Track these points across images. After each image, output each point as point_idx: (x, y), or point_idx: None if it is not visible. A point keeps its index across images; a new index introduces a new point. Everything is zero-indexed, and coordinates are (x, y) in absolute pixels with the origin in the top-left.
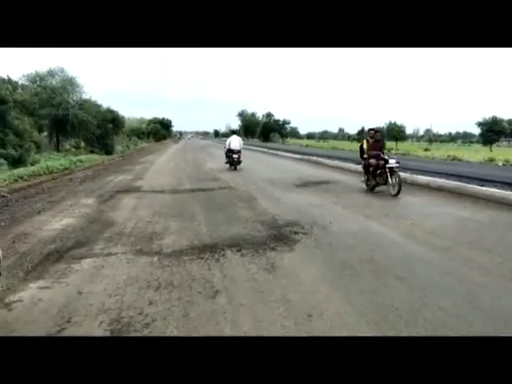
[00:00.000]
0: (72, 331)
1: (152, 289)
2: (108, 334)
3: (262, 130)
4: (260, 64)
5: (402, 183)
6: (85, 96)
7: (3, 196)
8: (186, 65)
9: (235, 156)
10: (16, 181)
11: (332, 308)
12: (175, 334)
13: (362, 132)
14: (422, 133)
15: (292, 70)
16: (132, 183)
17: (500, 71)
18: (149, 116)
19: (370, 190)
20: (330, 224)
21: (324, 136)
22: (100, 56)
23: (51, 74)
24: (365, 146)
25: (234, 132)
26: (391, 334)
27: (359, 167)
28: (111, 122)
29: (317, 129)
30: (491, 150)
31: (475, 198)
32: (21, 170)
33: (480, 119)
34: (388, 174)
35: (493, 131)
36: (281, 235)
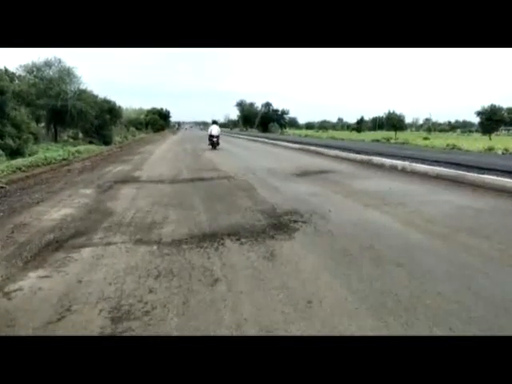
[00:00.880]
0: (72, 319)
1: (152, 277)
2: (108, 321)
3: (261, 120)
4: (259, 54)
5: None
6: (82, 87)
7: (1, 187)
8: (185, 55)
9: (214, 139)
10: (14, 172)
11: (332, 295)
12: (175, 321)
13: (361, 121)
14: (421, 122)
15: (291, 60)
16: (131, 173)
17: (499, 60)
18: (147, 106)
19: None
20: (329, 212)
21: (323, 125)
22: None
23: (48, 64)
24: None
25: (214, 122)
26: (390, 319)
27: (358, 156)
28: (108, 113)
29: (316, 118)
30: (490, 139)
31: (475, 186)
32: (19, 161)
33: (479, 108)
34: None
35: (492, 120)
36: (280, 224)
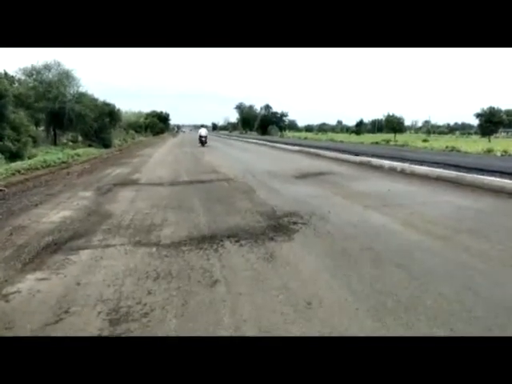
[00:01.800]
0: (70, 321)
1: (151, 279)
2: (107, 323)
3: (260, 123)
4: (259, 58)
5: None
6: (81, 89)
7: (0, 190)
8: (184, 59)
9: (203, 139)
10: (13, 174)
11: (331, 296)
12: (174, 322)
13: (360, 124)
14: (420, 124)
15: (291, 64)
16: (130, 176)
17: (498, 62)
18: (147, 109)
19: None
20: (328, 214)
21: (322, 128)
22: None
23: (47, 67)
24: None
25: (202, 125)
26: (391, 319)
27: (357, 158)
28: (108, 116)
29: (315, 121)
30: (489, 141)
31: (474, 187)
32: (18, 164)
33: (478, 110)
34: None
35: (491, 122)
36: (280, 225)
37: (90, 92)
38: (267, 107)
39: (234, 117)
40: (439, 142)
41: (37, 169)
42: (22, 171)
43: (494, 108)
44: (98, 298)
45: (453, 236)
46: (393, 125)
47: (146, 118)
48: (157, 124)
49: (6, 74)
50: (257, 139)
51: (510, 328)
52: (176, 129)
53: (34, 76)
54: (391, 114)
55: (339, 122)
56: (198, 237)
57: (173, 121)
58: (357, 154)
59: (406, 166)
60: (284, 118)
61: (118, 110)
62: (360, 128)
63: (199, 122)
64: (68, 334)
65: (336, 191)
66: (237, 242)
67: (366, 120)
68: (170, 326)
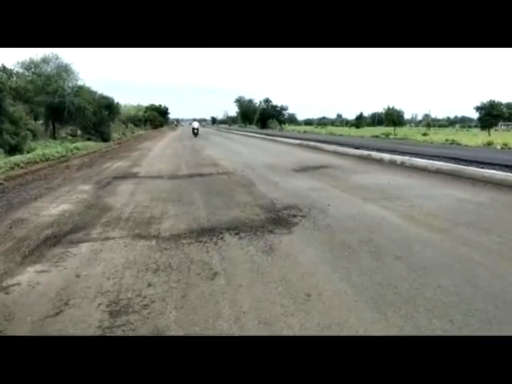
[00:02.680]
0: (70, 313)
1: (150, 271)
2: (106, 315)
3: (260, 117)
4: (259, 53)
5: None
6: (80, 83)
7: (0, 183)
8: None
9: (195, 130)
10: (12, 168)
11: (331, 288)
12: (174, 314)
13: (360, 117)
14: (419, 118)
15: (291, 58)
16: (129, 170)
17: (498, 57)
18: (146, 103)
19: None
20: (328, 207)
21: (322, 122)
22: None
23: (46, 60)
24: None
25: (195, 119)
26: (390, 312)
27: (357, 151)
28: (107, 109)
29: (315, 115)
30: (489, 134)
31: (474, 180)
32: (17, 158)
33: (478, 104)
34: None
35: (491, 115)
36: (279, 218)
37: (88, 86)
38: (267, 101)
39: (233, 111)
40: (439, 136)
41: (36, 162)
42: (22, 165)
43: (494, 101)
44: (97, 290)
45: (452, 229)
46: (393, 118)
47: (145, 112)
48: (156, 117)
49: (4, 67)
50: (256, 133)
51: (510, 320)
52: (175, 123)
53: (33, 69)
54: (391, 107)
55: (339, 116)
56: (198, 229)
57: (172, 115)
58: (357, 148)
59: (406, 158)
60: (284, 112)
61: (117, 103)
62: (360, 121)
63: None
64: (68, 326)
65: (335, 184)
66: (236, 234)
67: (366, 114)
68: (170, 318)
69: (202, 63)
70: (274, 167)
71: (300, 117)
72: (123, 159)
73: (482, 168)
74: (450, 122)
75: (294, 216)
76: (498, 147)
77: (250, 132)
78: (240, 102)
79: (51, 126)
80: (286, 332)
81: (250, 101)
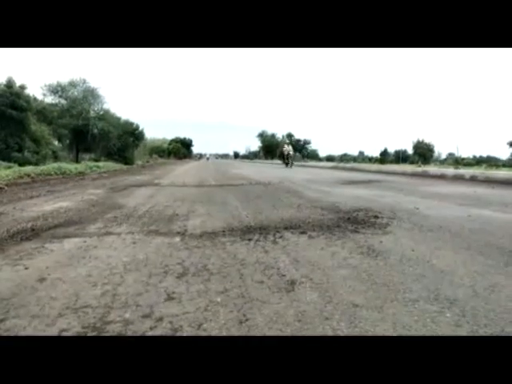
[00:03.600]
0: None
1: (172, 276)
2: None
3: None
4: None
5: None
6: (106, 106)
7: (0, 188)
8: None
9: (208, 159)
10: (21, 177)
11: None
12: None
13: (384, 153)
14: (443, 156)
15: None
16: (150, 181)
17: None
18: (170, 137)
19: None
20: (416, 210)
21: (344, 158)
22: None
23: (73, 84)
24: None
25: (204, 154)
26: None
27: (397, 168)
28: (131, 135)
29: (336, 152)
30: None
31: None
32: (28, 168)
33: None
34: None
35: None
36: (355, 219)
37: (113, 111)
38: (289, 135)
39: (255, 145)
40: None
41: (49, 175)
42: (32, 175)
43: None
44: (66, 302)
45: None
46: (423, 152)
47: (169, 144)
48: (180, 149)
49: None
50: (281, 164)
51: None
52: (198, 156)
53: (59, 93)
54: (421, 141)
55: (361, 153)
56: (242, 227)
57: (195, 149)
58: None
59: (478, 173)
60: (306, 146)
61: (142, 129)
62: (384, 157)
63: (221, 152)
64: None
65: (405, 193)
66: (302, 233)
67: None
68: None
69: (225, 101)
70: (316, 181)
71: (321, 153)
72: (145, 175)
73: None
74: (477, 161)
75: (376, 217)
76: None
77: (273, 163)
78: (263, 136)
79: (75, 150)
80: None
81: (273, 135)
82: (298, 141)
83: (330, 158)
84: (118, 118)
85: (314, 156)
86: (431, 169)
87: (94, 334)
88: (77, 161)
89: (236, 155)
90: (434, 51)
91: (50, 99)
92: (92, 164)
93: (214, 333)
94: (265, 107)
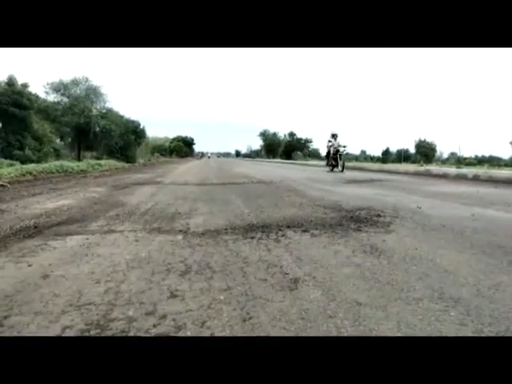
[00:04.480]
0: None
1: (175, 273)
2: None
3: (284, 149)
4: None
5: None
6: (108, 105)
7: (2, 185)
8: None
9: (209, 158)
10: (23, 175)
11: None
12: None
13: (386, 152)
14: (445, 156)
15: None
16: (152, 179)
17: None
18: (172, 136)
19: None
20: (419, 209)
21: (346, 158)
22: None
23: (75, 82)
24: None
25: (206, 153)
26: None
27: (399, 167)
28: (133, 133)
29: None
30: None
31: None
32: (30, 166)
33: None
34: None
35: None
36: (358, 218)
37: (115, 109)
38: (291, 134)
39: (257, 144)
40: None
41: (51, 172)
42: (34, 173)
43: None
44: (70, 299)
45: None
46: (425, 151)
47: (171, 142)
48: (182, 148)
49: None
50: (283, 162)
51: None
52: (200, 154)
53: (62, 91)
54: (423, 140)
55: (363, 152)
56: (244, 226)
57: (197, 147)
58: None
59: (481, 172)
60: (308, 145)
61: (143, 127)
62: (386, 156)
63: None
64: None
65: (407, 192)
66: (305, 231)
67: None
68: None
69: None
70: (318, 180)
71: (323, 152)
72: (147, 173)
73: None
74: (479, 161)
75: (378, 216)
76: None
77: (275, 162)
78: (264, 135)
79: (77, 149)
80: None
81: (275, 134)
82: (300, 139)
83: None
84: (121, 117)
85: (315, 155)
86: (433, 168)
87: (97, 331)
88: (79, 159)
89: (237, 154)
90: (436, 51)
91: (52, 97)
92: (94, 162)
93: (218, 330)
94: (266, 106)
